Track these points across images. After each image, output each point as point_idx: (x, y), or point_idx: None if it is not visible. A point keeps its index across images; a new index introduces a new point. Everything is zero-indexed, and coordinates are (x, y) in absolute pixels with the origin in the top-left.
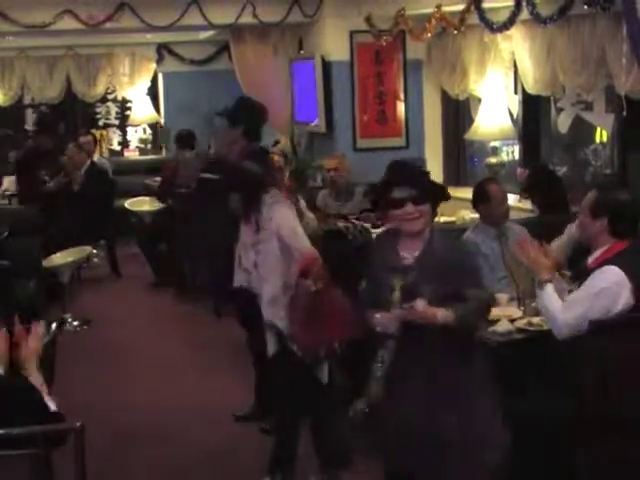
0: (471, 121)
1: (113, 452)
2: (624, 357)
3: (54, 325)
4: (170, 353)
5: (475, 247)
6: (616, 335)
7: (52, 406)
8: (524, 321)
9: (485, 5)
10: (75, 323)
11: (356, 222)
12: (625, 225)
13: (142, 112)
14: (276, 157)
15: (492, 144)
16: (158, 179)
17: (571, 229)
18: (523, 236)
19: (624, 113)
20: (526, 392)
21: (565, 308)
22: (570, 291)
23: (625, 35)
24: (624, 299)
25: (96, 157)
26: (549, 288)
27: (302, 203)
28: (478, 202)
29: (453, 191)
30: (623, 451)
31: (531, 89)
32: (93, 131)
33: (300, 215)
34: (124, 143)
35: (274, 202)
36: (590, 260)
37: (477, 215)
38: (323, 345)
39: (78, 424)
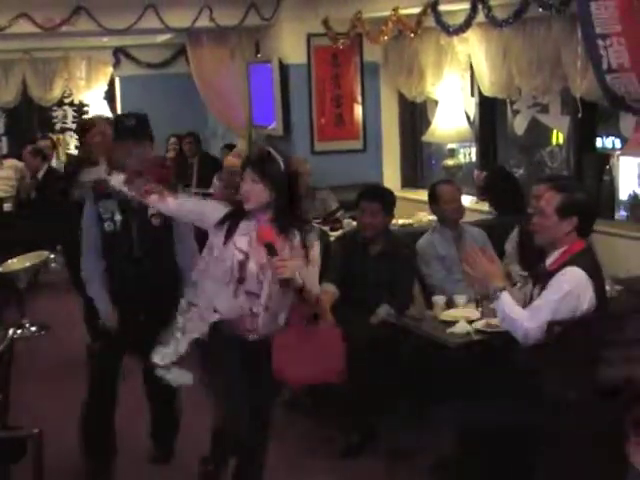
0: (428, 123)
1: (71, 462)
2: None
3: (11, 331)
4: (128, 358)
5: (432, 248)
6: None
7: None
8: (482, 322)
9: (441, 8)
10: (33, 328)
11: (316, 226)
12: (591, 224)
13: None
14: (232, 159)
15: (449, 146)
16: None
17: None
18: (480, 239)
19: (579, 115)
20: (484, 393)
21: (531, 315)
22: (530, 299)
23: (580, 37)
24: (588, 300)
25: (54, 162)
26: (505, 296)
27: None
28: (430, 202)
29: (411, 193)
30: (579, 455)
31: (487, 91)
32: (50, 135)
33: None
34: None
35: None
36: (550, 261)
37: (434, 217)
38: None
39: (36, 431)
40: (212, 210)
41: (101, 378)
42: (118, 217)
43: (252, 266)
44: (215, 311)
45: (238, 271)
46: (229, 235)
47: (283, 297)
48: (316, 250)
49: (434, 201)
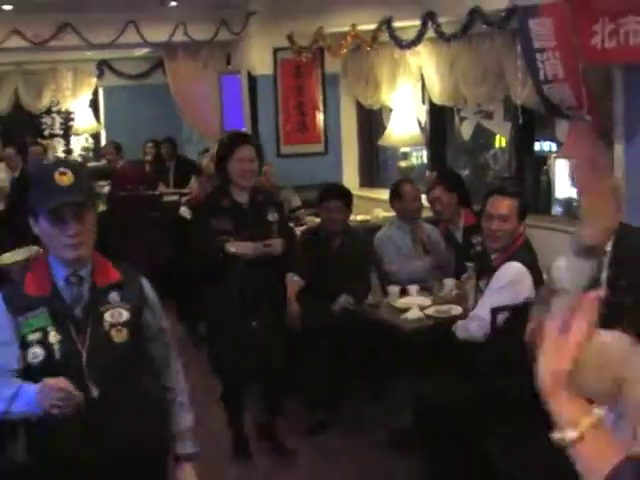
0: (383, 129)
1: None
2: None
3: None
4: None
5: (390, 239)
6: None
7: None
8: (432, 309)
9: (395, 24)
10: None
11: None
12: None
13: (84, 123)
14: (211, 165)
15: (403, 149)
16: (101, 184)
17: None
18: (434, 235)
19: (520, 121)
20: (434, 371)
21: (479, 310)
22: (477, 291)
23: (520, 51)
24: (527, 289)
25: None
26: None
27: None
28: (394, 199)
29: (368, 192)
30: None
31: (437, 100)
32: (39, 140)
33: None
34: (68, 151)
35: None
36: (495, 256)
37: (390, 214)
38: None
39: None
40: None
41: None
42: (55, 338)
43: None
44: None
45: None
46: None
47: None
48: None
49: (397, 198)
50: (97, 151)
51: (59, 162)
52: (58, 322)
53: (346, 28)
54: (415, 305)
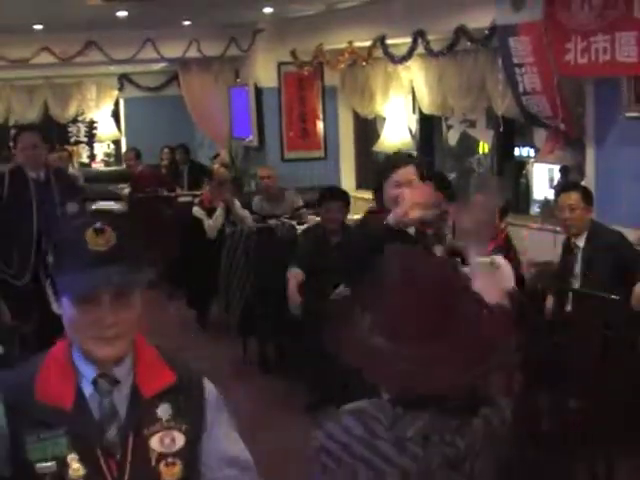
0: (378, 136)
1: None
2: None
3: None
4: None
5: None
6: None
7: None
8: None
9: (388, 41)
10: None
11: (285, 221)
12: None
13: (107, 131)
14: (222, 170)
15: None
16: (121, 186)
17: None
18: None
19: (501, 129)
20: None
21: None
22: None
23: (501, 66)
24: (506, 280)
25: (70, 169)
26: None
27: (237, 203)
28: None
29: (364, 194)
30: None
31: (426, 110)
32: (66, 147)
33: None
34: (92, 157)
35: None
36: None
37: None
38: None
39: None
40: None
41: None
42: (76, 472)
43: None
44: None
45: None
46: None
47: None
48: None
49: None
50: (118, 157)
51: (93, 215)
52: (83, 449)
53: (344, 45)
54: None
